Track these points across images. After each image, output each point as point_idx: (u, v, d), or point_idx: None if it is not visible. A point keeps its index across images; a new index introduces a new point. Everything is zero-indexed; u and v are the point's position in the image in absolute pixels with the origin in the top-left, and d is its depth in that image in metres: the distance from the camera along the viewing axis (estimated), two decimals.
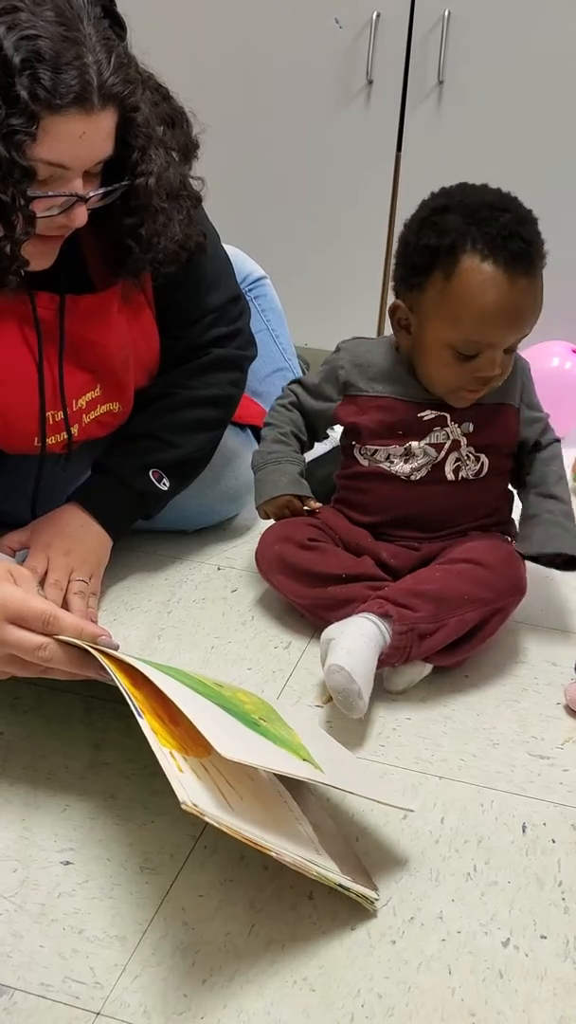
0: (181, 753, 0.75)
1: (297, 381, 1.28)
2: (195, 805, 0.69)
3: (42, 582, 1.11)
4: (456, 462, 1.16)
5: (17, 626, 0.83)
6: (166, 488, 1.22)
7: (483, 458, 1.17)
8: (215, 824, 0.70)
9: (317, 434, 1.29)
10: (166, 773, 0.71)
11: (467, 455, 1.16)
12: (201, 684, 0.83)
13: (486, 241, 1.04)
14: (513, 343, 1.10)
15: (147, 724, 0.74)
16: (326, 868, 0.77)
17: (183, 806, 0.68)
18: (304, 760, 0.80)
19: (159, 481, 1.21)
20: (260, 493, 1.24)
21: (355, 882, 0.79)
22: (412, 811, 0.91)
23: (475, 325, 1.06)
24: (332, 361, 1.22)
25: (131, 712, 0.76)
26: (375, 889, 0.82)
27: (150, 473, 1.20)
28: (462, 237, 1.05)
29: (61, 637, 0.83)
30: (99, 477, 1.21)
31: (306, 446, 1.28)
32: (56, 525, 1.16)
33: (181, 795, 0.69)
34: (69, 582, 1.12)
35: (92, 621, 1.11)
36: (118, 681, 0.78)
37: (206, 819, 0.70)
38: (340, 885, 0.78)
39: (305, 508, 1.22)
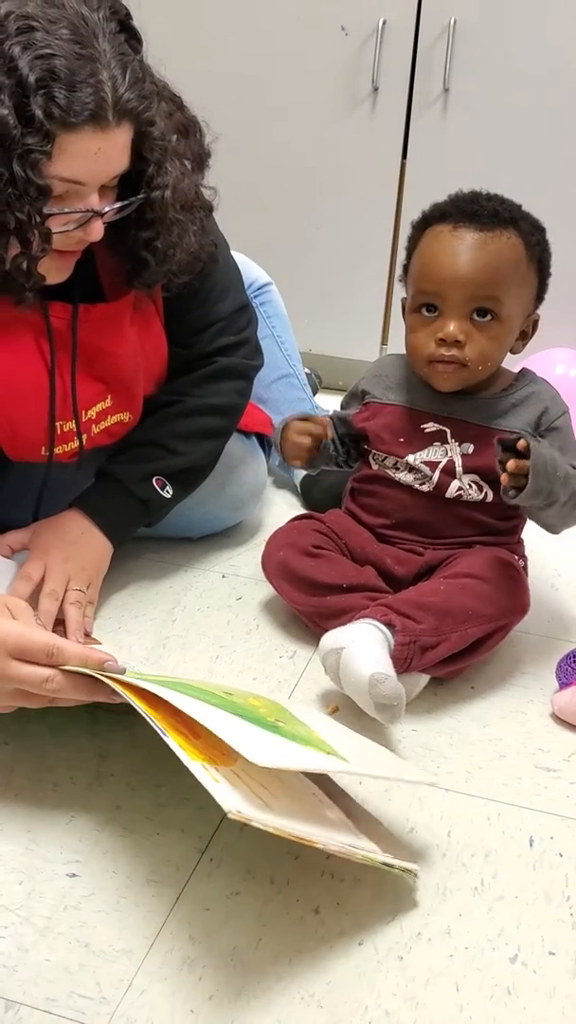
0: (212, 764, 0.75)
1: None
2: (239, 812, 0.69)
3: (38, 589, 1.10)
4: (458, 490, 1.16)
5: (21, 660, 0.82)
6: (169, 496, 1.21)
7: (487, 489, 1.16)
8: (262, 827, 0.71)
9: (352, 452, 1.28)
10: (204, 786, 0.71)
11: (468, 484, 1.15)
12: (212, 695, 0.83)
13: (445, 206, 1.12)
14: (469, 299, 1.08)
15: (173, 741, 0.74)
16: (369, 850, 0.78)
17: (229, 815, 0.69)
18: (329, 754, 0.81)
19: (162, 489, 1.20)
20: (275, 441, 1.24)
21: (397, 858, 0.80)
22: (435, 784, 0.93)
23: (421, 276, 1.11)
24: (360, 375, 1.26)
25: (136, 722, 0.77)
26: (414, 861, 0.83)
27: (153, 481, 1.20)
28: (430, 211, 1.14)
29: (67, 667, 0.83)
30: (102, 484, 1.21)
31: (340, 455, 1.26)
32: (56, 531, 1.16)
33: (225, 805, 0.69)
34: (66, 591, 1.12)
35: (87, 630, 1.11)
36: (136, 705, 0.78)
37: (253, 824, 0.70)
38: (384, 864, 0.79)
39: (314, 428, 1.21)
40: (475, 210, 1.09)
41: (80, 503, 1.19)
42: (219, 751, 0.76)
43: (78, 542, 1.16)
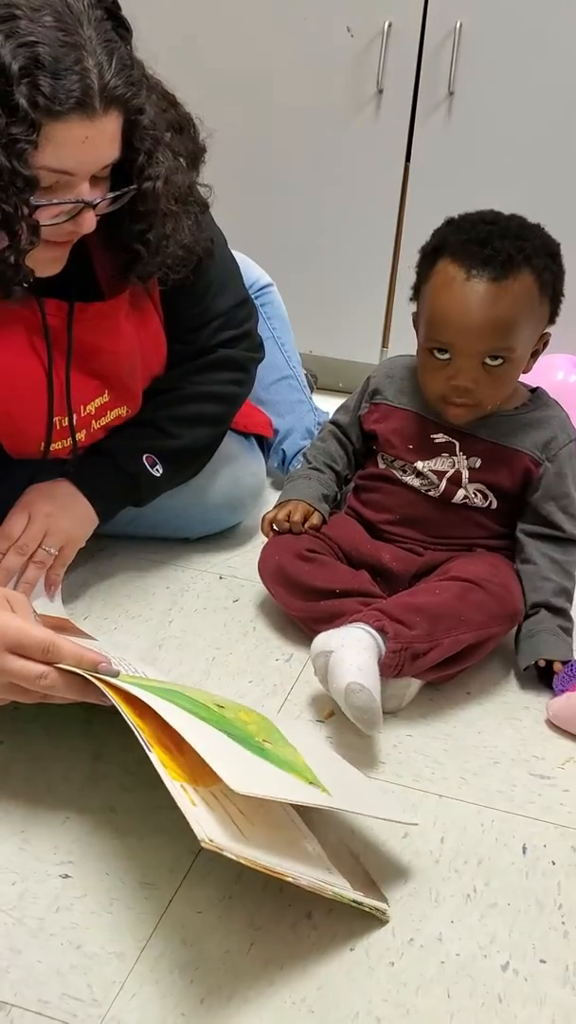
0: (192, 785, 0.74)
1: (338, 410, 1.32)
2: (212, 841, 0.69)
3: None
4: (463, 498, 1.17)
5: (16, 655, 0.82)
6: (159, 475, 1.21)
7: (492, 498, 1.17)
8: (233, 858, 0.71)
9: (359, 455, 1.29)
10: (181, 808, 0.71)
11: (474, 493, 1.16)
12: (203, 708, 0.83)
13: (459, 245, 1.08)
14: (482, 352, 1.08)
15: (157, 758, 0.74)
16: (340, 886, 0.78)
17: (202, 844, 0.69)
18: (310, 783, 0.80)
19: (152, 467, 1.20)
20: (282, 496, 1.26)
21: (367, 896, 0.79)
22: (417, 824, 0.91)
23: (433, 322, 1.10)
24: (369, 373, 1.27)
25: (130, 724, 0.76)
26: (385, 900, 0.82)
27: (144, 457, 1.20)
28: (442, 241, 1.11)
29: (61, 665, 0.83)
30: (92, 457, 1.21)
31: (341, 475, 1.29)
32: (45, 491, 1.16)
33: (199, 832, 0.69)
34: (36, 550, 1.12)
35: (54, 585, 1.13)
36: (124, 713, 0.77)
37: (225, 854, 0.70)
38: (354, 901, 0.78)
39: (308, 523, 1.22)
40: (489, 256, 1.06)
41: (69, 474, 1.19)
42: (202, 769, 0.76)
43: (63, 502, 1.16)
